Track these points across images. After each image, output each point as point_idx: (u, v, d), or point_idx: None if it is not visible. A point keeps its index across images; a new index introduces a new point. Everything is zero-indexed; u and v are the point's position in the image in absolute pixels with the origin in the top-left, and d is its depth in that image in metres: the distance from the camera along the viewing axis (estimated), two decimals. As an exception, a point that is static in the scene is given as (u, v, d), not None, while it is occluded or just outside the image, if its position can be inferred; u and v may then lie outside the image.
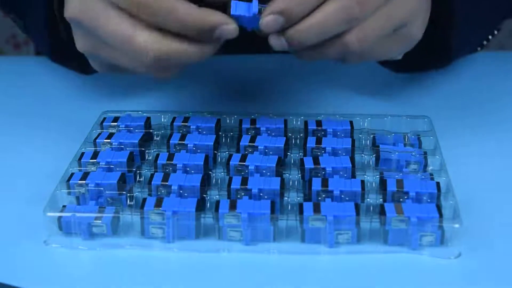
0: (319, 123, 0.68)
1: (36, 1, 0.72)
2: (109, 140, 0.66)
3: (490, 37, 0.83)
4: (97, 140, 0.66)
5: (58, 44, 0.73)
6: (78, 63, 0.75)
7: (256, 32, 0.60)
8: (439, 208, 0.56)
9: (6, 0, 0.80)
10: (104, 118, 0.70)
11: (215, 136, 0.66)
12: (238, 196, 0.59)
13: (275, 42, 0.59)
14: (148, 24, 0.57)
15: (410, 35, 0.63)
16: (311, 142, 0.65)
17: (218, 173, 0.63)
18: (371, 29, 0.59)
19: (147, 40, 0.57)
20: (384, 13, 0.59)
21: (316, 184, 0.59)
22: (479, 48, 0.83)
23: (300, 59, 0.61)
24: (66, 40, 0.70)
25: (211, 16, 0.57)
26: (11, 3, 0.79)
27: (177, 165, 0.62)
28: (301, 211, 0.56)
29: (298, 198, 0.59)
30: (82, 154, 0.64)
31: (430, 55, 0.74)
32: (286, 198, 0.59)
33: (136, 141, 0.66)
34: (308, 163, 0.62)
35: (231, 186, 0.59)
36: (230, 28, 0.57)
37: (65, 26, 0.71)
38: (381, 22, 0.59)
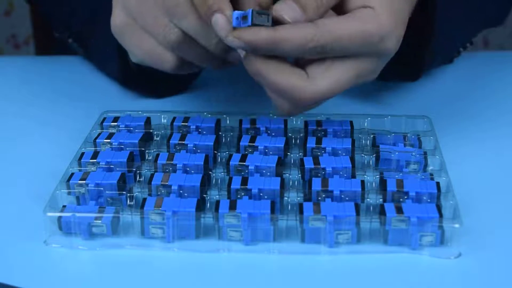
0: (319, 123, 0.68)
1: (106, 31, 0.72)
2: (109, 140, 0.66)
3: (461, 50, 0.83)
4: (97, 140, 0.66)
5: (128, 72, 0.75)
6: (149, 88, 0.77)
7: None
8: (439, 208, 0.56)
9: (72, 28, 0.81)
10: (104, 118, 0.70)
11: (215, 136, 0.66)
12: (238, 196, 0.59)
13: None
14: None
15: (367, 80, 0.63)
16: (311, 142, 0.65)
17: (218, 173, 0.63)
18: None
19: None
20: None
21: (316, 184, 0.59)
22: (455, 56, 0.84)
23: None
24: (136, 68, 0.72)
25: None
26: (76, 31, 0.80)
27: (177, 165, 0.62)
28: (301, 211, 0.56)
29: (298, 198, 0.59)
30: (82, 154, 0.64)
31: (401, 67, 0.73)
32: (286, 198, 0.59)
33: (136, 141, 0.66)
34: (308, 163, 0.62)
35: (231, 186, 0.59)
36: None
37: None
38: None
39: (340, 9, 0.59)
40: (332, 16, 0.59)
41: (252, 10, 0.56)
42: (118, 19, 0.64)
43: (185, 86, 0.80)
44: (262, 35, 0.56)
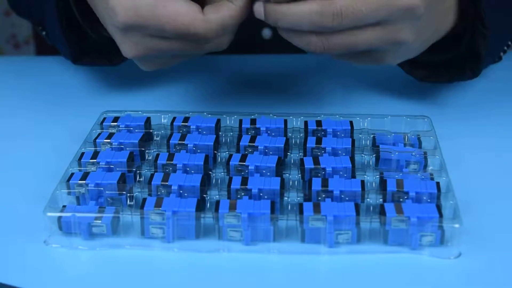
0: (319, 123, 0.68)
1: (50, 6, 0.73)
2: (109, 140, 0.66)
3: (505, 48, 0.82)
4: (97, 140, 0.66)
5: (79, 45, 0.75)
6: (104, 58, 0.77)
7: None
8: (439, 208, 0.56)
9: (28, 13, 0.81)
10: (104, 118, 0.70)
11: (215, 136, 0.66)
12: (238, 196, 0.59)
13: (257, 9, 0.61)
14: None
15: (381, 60, 0.64)
16: (311, 142, 0.65)
17: (218, 173, 0.63)
18: (334, 43, 0.60)
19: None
20: (352, 37, 0.60)
21: (316, 184, 0.59)
22: (497, 59, 0.83)
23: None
24: (93, 38, 0.72)
25: None
26: (33, 14, 0.80)
27: (177, 165, 0.62)
28: (301, 211, 0.56)
29: (298, 198, 0.59)
30: (82, 154, 0.64)
31: (456, 66, 0.74)
32: (286, 198, 0.59)
33: (136, 141, 0.66)
34: (308, 163, 0.62)
35: (231, 186, 0.59)
36: None
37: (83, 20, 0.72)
38: (346, 43, 0.60)
39: None
40: None
41: None
42: (135, 49, 0.64)
43: None
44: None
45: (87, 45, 0.76)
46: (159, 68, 0.66)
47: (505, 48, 0.81)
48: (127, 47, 0.63)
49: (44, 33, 0.82)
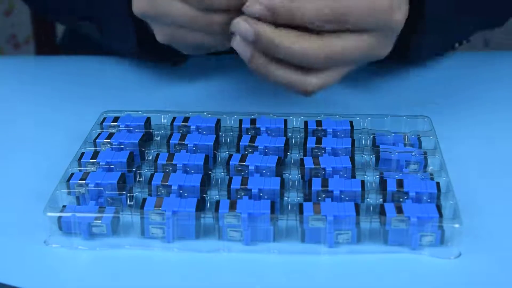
0: (319, 123, 0.68)
1: (116, 4, 0.73)
2: (109, 140, 0.66)
3: (456, 45, 0.83)
4: (97, 140, 0.66)
5: (144, 41, 0.75)
6: (167, 56, 0.78)
7: None
8: (439, 208, 0.56)
9: (81, 9, 0.81)
10: (104, 118, 0.70)
11: (215, 136, 0.67)
12: (238, 196, 0.59)
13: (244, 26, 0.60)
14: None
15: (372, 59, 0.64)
16: (311, 142, 0.65)
17: (218, 173, 0.63)
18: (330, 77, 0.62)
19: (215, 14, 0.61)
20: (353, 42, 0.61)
21: (316, 184, 0.59)
22: (451, 50, 0.84)
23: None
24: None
25: None
26: (86, 10, 0.80)
27: (177, 165, 0.62)
28: (301, 211, 0.56)
29: (298, 198, 0.59)
30: (82, 154, 0.64)
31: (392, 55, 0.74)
32: (286, 198, 0.59)
33: (136, 141, 0.66)
34: (308, 163, 0.62)
35: (231, 186, 0.59)
36: None
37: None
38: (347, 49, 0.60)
39: None
40: None
41: None
42: (160, 35, 0.66)
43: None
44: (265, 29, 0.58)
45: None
46: (196, 53, 0.68)
47: (454, 45, 0.81)
48: (156, 33, 0.66)
49: (99, 32, 0.82)
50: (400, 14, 0.61)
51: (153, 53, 0.78)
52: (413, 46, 0.74)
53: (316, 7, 0.58)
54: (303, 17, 0.58)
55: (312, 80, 0.61)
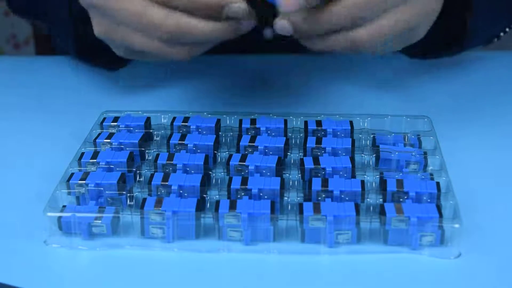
0: (319, 123, 0.68)
1: (59, 2, 0.73)
2: (109, 140, 0.66)
3: (507, 29, 0.82)
4: (97, 140, 0.66)
5: (83, 42, 0.75)
6: (105, 60, 0.77)
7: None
8: (439, 208, 0.56)
9: (29, 7, 0.81)
10: (104, 118, 0.70)
11: (215, 136, 0.66)
12: (238, 196, 0.59)
13: (281, 25, 0.60)
14: (158, 1, 0.59)
15: (415, 37, 0.64)
16: (311, 142, 0.65)
17: (218, 173, 0.63)
18: (379, 31, 0.60)
19: (157, 15, 0.59)
20: (395, 16, 0.60)
21: (316, 184, 0.59)
22: (495, 40, 0.82)
23: (309, 48, 0.62)
24: (91, 37, 0.72)
25: None
26: (34, 8, 0.80)
27: (177, 165, 0.62)
28: (301, 211, 0.56)
29: (298, 198, 0.59)
30: (82, 154, 0.64)
31: (444, 41, 0.74)
32: (286, 198, 0.59)
33: (136, 141, 0.66)
34: (308, 163, 0.62)
35: (231, 186, 0.59)
36: (236, 6, 0.59)
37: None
38: (391, 24, 0.60)
39: None
40: None
41: None
42: (98, 28, 0.64)
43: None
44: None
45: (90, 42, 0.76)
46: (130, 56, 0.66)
47: (500, 33, 0.81)
48: (93, 25, 0.64)
49: (43, 25, 0.82)
50: None
51: (92, 56, 0.78)
52: (468, 32, 0.73)
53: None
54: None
55: (362, 33, 0.60)
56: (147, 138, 0.68)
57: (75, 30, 0.74)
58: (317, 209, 0.56)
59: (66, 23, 0.74)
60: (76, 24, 0.73)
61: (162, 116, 0.71)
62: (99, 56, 0.77)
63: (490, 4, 0.73)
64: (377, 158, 0.64)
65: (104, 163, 0.63)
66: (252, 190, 0.59)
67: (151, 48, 0.61)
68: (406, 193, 0.58)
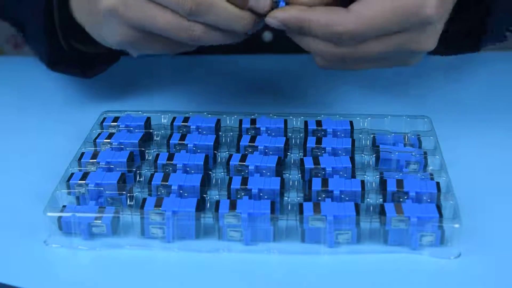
0: (319, 123, 0.68)
1: (35, 11, 0.72)
2: (109, 140, 0.66)
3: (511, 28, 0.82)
4: (97, 140, 0.66)
5: (58, 52, 0.74)
6: (79, 68, 0.76)
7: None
8: (439, 208, 0.56)
9: (5, 13, 0.80)
10: (104, 118, 0.70)
11: (215, 136, 0.66)
12: (238, 196, 0.59)
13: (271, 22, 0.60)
14: None
15: (405, 62, 0.63)
16: (311, 142, 0.65)
17: (218, 173, 0.63)
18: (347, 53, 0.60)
19: None
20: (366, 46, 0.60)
21: (316, 184, 0.59)
22: (508, 34, 0.82)
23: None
24: (66, 48, 0.71)
25: None
26: (11, 15, 0.79)
27: (177, 165, 0.62)
28: (301, 211, 0.56)
29: (298, 198, 0.59)
30: (82, 154, 0.64)
31: (462, 39, 0.73)
32: (286, 198, 0.59)
33: (136, 141, 0.66)
34: (308, 163, 0.62)
35: (231, 186, 0.59)
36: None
37: (64, 34, 0.71)
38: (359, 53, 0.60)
39: None
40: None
41: None
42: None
43: (114, 60, 0.78)
44: (291, 13, 0.58)
45: (64, 52, 0.74)
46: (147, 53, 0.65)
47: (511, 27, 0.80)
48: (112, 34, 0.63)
49: (21, 34, 0.81)
50: (431, 7, 0.58)
51: (65, 64, 0.76)
52: (488, 28, 0.72)
53: (326, 23, 0.57)
54: (312, 32, 0.58)
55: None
56: (147, 138, 0.68)
57: (50, 40, 0.73)
58: (317, 209, 0.56)
59: (40, 32, 0.73)
60: (52, 33, 0.72)
61: (162, 116, 0.71)
62: (73, 65, 0.76)
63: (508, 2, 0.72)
64: (377, 158, 0.64)
65: (104, 163, 0.63)
66: (252, 190, 0.59)
67: (171, 23, 0.59)
68: (406, 193, 0.58)
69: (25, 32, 0.80)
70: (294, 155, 0.66)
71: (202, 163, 0.62)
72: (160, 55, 0.65)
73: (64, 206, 0.58)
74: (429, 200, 0.58)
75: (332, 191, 0.58)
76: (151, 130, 0.69)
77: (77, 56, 0.71)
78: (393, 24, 0.58)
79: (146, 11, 0.59)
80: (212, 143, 0.65)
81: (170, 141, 0.66)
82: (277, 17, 0.59)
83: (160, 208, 0.56)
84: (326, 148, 0.64)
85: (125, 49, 0.64)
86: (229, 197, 0.59)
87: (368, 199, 0.59)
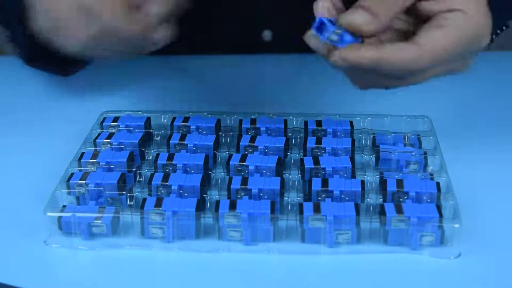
0: (319, 123, 0.68)
1: (11, 7, 0.72)
2: (109, 140, 0.66)
3: (498, 31, 0.81)
4: (97, 140, 0.66)
5: (35, 49, 0.74)
6: (57, 66, 0.76)
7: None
8: (439, 208, 0.56)
9: None
10: (104, 118, 0.70)
11: (215, 136, 0.66)
12: (238, 196, 0.59)
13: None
14: None
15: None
16: (311, 142, 0.65)
17: (218, 173, 0.63)
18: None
19: None
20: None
21: (316, 184, 0.59)
22: (498, 31, 0.82)
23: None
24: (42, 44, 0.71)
25: None
26: None
27: (177, 165, 0.62)
28: (301, 211, 0.56)
29: (298, 198, 0.59)
30: (82, 154, 0.64)
31: None
32: (286, 198, 0.59)
33: (136, 141, 0.66)
34: (308, 163, 0.62)
35: (231, 186, 0.59)
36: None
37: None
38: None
39: (417, 12, 0.58)
40: (423, 30, 0.57)
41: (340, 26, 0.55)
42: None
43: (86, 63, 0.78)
44: (367, 55, 0.55)
45: (41, 49, 0.75)
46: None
47: (502, 28, 0.80)
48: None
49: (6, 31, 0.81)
50: (488, 35, 0.59)
51: (45, 62, 0.76)
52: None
53: (402, 63, 0.56)
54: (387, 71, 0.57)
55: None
56: (147, 138, 0.68)
57: (28, 36, 0.73)
58: (317, 209, 0.56)
59: (18, 29, 0.73)
60: (29, 30, 0.72)
61: (162, 116, 0.71)
62: (51, 62, 0.76)
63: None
64: (377, 158, 0.64)
65: (104, 163, 0.63)
66: (252, 190, 0.59)
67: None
68: (406, 193, 0.58)
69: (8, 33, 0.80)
70: (294, 155, 0.66)
71: (202, 163, 0.62)
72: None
73: (64, 206, 0.58)
74: (429, 200, 0.58)
75: (332, 191, 0.58)
76: (151, 130, 0.69)
77: (55, 53, 0.71)
78: (456, 55, 0.58)
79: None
80: (212, 143, 0.65)
81: (170, 141, 0.66)
82: (347, 59, 0.55)
83: (160, 208, 0.56)
84: (326, 148, 0.64)
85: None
86: (229, 197, 0.59)
87: (368, 199, 0.59)
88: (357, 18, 0.55)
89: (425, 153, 0.64)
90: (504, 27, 0.80)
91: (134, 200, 0.60)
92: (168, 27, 0.62)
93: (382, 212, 0.56)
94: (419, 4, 0.58)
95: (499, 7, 0.74)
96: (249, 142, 0.65)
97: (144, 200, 0.57)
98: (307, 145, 0.65)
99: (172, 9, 0.62)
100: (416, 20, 0.59)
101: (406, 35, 0.59)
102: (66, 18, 0.61)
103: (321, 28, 0.55)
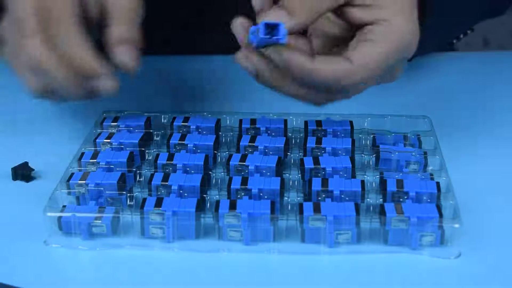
0: (319, 123, 0.68)
1: None
2: (109, 140, 0.66)
3: (461, 36, 0.82)
4: (97, 140, 0.66)
5: None
6: None
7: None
8: (439, 208, 0.56)
9: None
10: (104, 118, 0.70)
11: (215, 136, 0.66)
12: (238, 196, 0.59)
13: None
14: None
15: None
16: (311, 142, 0.65)
17: (218, 173, 0.63)
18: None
19: None
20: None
21: (316, 184, 0.59)
22: (461, 35, 0.82)
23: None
24: None
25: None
26: None
27: (177, 165, 0.62)
28: (301, 211, 0.56)
29: (298, 198, 0.59)
30: (82, 154, 0.64)
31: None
32: (286, 198, 0.59)
33: (136, 141, 0.66)
34: (308, 163, 0.62)
35: (231, 186, 0.59)
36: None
37: None
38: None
39: (348, 19, 0.59)
40: (354, 44, 0.58)
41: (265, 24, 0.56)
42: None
43: None
44: (298, 60, 0.56)
45: None
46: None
47: (459, 36, 0.80)
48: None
49: None
50: (415, 43, 0.59)
51: None
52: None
53: (333, 76, 0.57)
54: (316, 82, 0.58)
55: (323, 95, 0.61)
56: (147, 138, 0.68)
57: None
58: (317, 209, 0.56)
59: None
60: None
61: (162, 116, 0.71)
62: None
63: (443, 13, 0.73)
64: (377, 158, 0.64)
65: (104, 163, 0.63)
66: (252, 190, 0.59)
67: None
68: (406, 193, 0.58)
69: None
70: (294, 155, 0.66)
71: (202, 163, 0.62)
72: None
73: (64, 206, 0.58)
74: (429, 200, 0.58)
75: (332, 191, 0.58)
76: (151, 130, 0.69)
77: None
78: (388, 67, 0.59)
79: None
80: (212, 143, 0.65)
81: (170, 141, 0.66)
82: (282, 54, 0.57)
83: (160, 208, 0.56)
84: (326, 148, 0.64)
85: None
86: (229, 197, 0.59)
87: (368, 199, 0.59)
88: (272, 16, 0.56)
89: (425, 153, 0.64)
90: (468, 31, 0.81)
91: (134, 200, 0.60)
92: (114, 78, 0.63)
93: (382, 212, 0.56)
94: (348, 11, 0.58)
95: (462, 12, 0.74)
96: (249, 142, 0.65)
97: (144, 200, 0.57)
98: (307, 145, 0.65)
99: (134, 30, 0.62)
100: (349, 26, 0.59)
101: (345, 40, 0.59)
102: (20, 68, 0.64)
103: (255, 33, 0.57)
